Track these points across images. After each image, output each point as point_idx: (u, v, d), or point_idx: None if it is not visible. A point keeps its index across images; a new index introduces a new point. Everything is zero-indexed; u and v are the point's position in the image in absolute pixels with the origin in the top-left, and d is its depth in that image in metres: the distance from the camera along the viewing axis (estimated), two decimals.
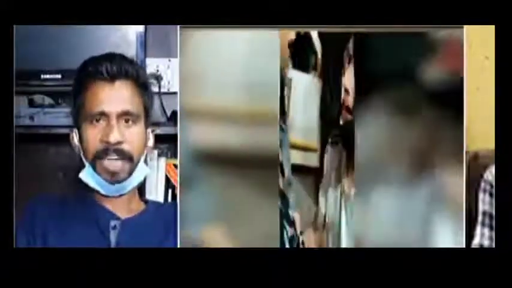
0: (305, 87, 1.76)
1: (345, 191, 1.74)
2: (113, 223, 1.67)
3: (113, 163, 1.63)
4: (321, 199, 1.75)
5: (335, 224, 1.74)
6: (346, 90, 1.72)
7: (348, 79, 1.70)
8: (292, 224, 1.70)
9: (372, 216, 1.69)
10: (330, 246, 1.75)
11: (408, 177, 1.67)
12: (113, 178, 1.64)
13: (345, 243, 1.74)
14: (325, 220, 1.74)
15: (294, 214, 1.71)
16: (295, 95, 1.74)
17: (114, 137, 1.62)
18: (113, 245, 1.65)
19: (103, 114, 1.63)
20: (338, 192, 1.74)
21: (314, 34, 1.73)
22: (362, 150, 1.68)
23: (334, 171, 1.75)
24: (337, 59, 1.74)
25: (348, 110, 1.71)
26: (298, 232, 1.70)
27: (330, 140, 1.75)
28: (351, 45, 1.70)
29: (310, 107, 1.76)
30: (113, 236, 1.66)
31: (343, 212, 1.74)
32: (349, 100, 1.70)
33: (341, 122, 1.74)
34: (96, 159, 1.64)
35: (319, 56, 1.75)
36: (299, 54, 1.73)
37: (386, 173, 1.68)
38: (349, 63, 1.71)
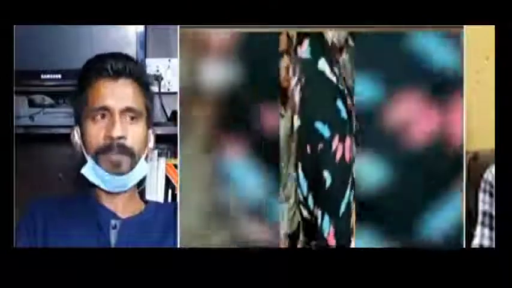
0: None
1: None
2: (113, 223, 1.67)
3: (115, 156, 1.64)
4: None
5: None
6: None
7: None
8: None
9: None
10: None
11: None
12: (115, 170, 1.65)
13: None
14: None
15: None
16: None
17: (116, 132, 1.63)
18: (112, 244, 1.65)
19: (106, 110, 1.64)
20: None
21: None
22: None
23: None
24: None
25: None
26: None
27: None
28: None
29: None
30: (113, 236, 1.66)
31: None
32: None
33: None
34: (99, 153, 1.64)
35: None
36: None
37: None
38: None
